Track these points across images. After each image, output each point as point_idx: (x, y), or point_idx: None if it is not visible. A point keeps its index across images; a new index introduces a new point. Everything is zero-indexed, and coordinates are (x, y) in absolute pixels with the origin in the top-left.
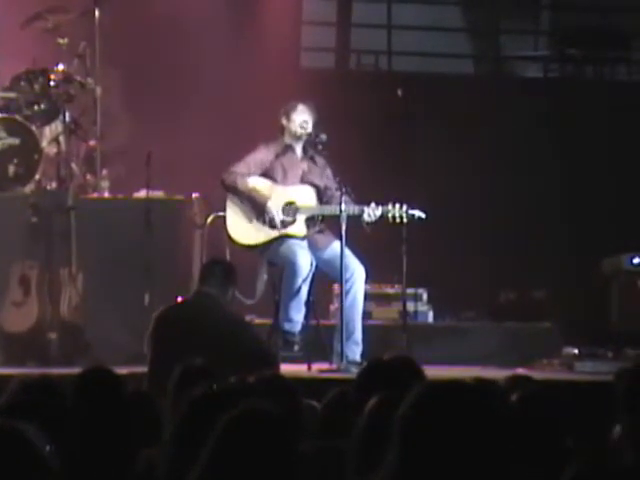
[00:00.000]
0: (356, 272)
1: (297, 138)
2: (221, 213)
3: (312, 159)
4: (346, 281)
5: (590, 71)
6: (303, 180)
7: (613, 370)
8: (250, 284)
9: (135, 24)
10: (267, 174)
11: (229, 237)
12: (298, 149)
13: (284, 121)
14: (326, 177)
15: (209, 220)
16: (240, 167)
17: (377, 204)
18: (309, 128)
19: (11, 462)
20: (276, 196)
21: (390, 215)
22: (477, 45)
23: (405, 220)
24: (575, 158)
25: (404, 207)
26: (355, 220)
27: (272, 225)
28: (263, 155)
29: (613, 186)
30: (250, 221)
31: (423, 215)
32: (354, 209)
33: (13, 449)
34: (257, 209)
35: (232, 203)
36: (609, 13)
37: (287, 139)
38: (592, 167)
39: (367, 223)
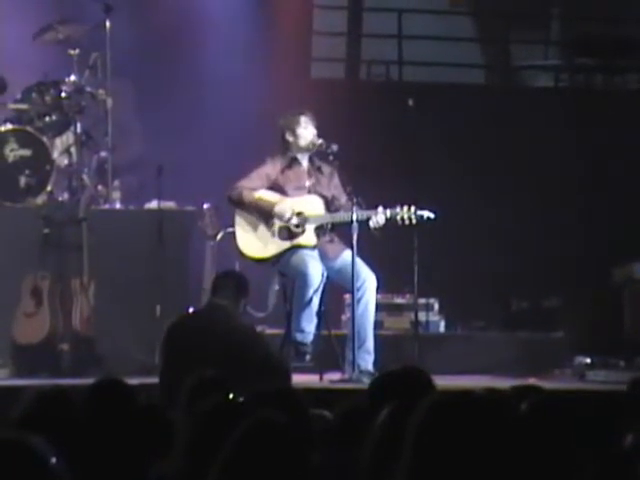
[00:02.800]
0: (367, 280)
1: (306, 151)
2: (230, 229)
3: (319, 169)
4: (357, 289)
5: (601, 80)
6: (310, 192)
7: (625, 379)
8: (261, 297)
9: (146, 36)
10: (273, 188)
11: (240, 252)
12: (304, 161)
13: (289, 137)
14: (334, 187)
15: (219, 237)
16: (246, 182)
17: (385, 207)
18: (317, 139)
19: (18, 475)
20: (285, 204)
21: (399, 217)
22: (487, 55)
23: (414, 221)
24: (586, 167)
25: (412, 208)
26: (364, 225)
27: (284, 231)
28: (269, 169)
29: (625, 194)
30: (260, 234)
31: (432, 215)
32: (362, 214)
33: (21, 462)
34: (266, 220)
35: (240, 218)
36: (619, 22)
37: (293, 152)
38: (603, 176)
39: (375, 228)
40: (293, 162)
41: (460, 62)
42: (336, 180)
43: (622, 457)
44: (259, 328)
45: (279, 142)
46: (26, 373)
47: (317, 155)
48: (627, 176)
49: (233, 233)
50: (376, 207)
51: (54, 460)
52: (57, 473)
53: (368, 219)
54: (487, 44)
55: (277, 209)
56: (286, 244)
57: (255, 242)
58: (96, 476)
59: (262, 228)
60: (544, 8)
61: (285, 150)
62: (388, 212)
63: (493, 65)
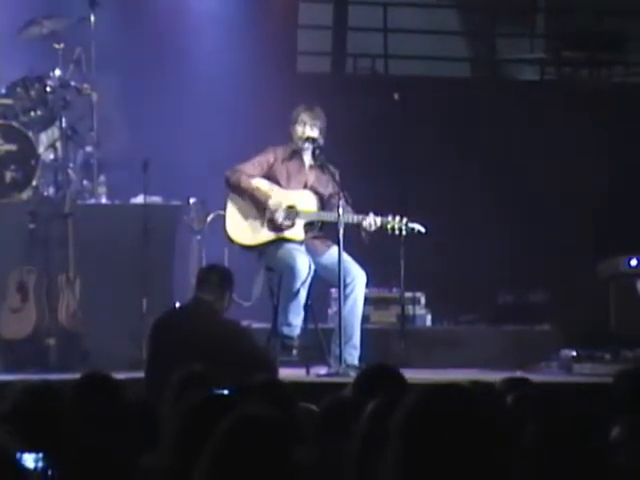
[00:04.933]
0: (357, 277)
1: (302, 145)
2: (221, 212)
3: (321, 167)
4: (347, 285)
5: (586, 73)
6: (307, 187)
7: (611, 372)
8: (248, 287)
9: (131, 30)
10: (271, 177)
11: (227, 236)
12: (306, 156)
13: (291, 130)
14: (332, 186)
15: (209, 218)
16: (246, 167)
17: (376, 214)
18: (310, 134)
19: None
20: (277, 198)
21: (390, 226)
22: (473, 48)
23: (404, 233)
24: (572, 160)
25: (404, 220)
26: (353, 228)
27: (272, 224)
28: (270, 158)
29: (611, 187)
30: (249, 221)
31: (423, 229)
32: (353, 218)
33: None
34: (258, 209)
35: (233, 202)
36: (605, 15)
37: (295, 145)
38: (589, 169)
39: (365, 233)
40: (294, 155)
41: (446, 55)
42: (336, 181)
43: (608, 449)
44: (245, 322)
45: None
46: (13, 368)
47: (315, 151)
48: (613, 169)
49: (223, 216)
50: (366, 211)
51: (19, 456)
52: (22, 468)
53: (359, 224)
54: (473, 37)
55: (270, 204)
56: (273, 235)
57: (244, 228)
58: (83, 471)
59: (253, 216)
60: (530, 1)
61: (289, 142)
62: (379, 220)
63: (479, 58)
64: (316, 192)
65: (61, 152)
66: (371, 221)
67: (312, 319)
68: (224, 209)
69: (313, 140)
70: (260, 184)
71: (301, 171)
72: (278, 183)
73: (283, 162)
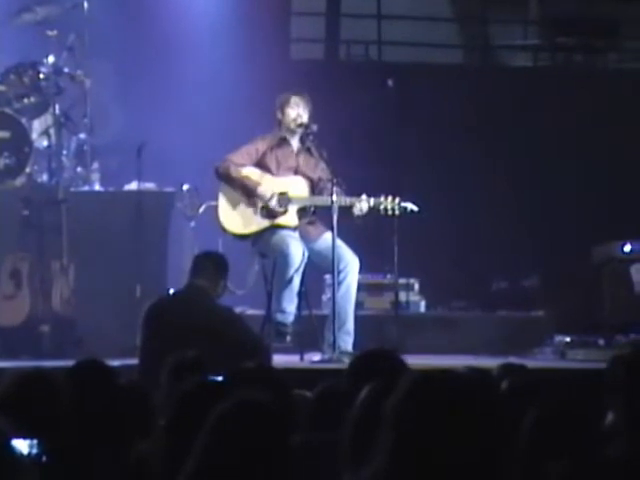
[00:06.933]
0: (350, 263)
1: (292, 131)
2: (213, 203)
3: (309, 151)
4: (340, 271)
5: (581, 59)
6: (297, 173)
7: (605, 358)
8: (241, 274)
9: (125, 16)
10: (261, 165)
11: (220, 226)
12: (294, 142)
13: (279, 115)
14: (320, 169)
15: (201, 209)
16: (235, 157)
17: (369, 196)
18: (302, 120)
19: None
20: (268, 185)
21: (382, 207)
22: (467, 35)
23: (397, 213)
24: (566, 146)
25: (397, 200)
26: (346, 211)
27: (266, 211)
28: (258, 146)
29: (604, 173)
30: (242, 210)
31: (416, 208)
32: (346, 200)
33: None
34: (249, 197)
35: (224, 192)
36: (599, 1)
37: (283, 132)
38: (583, 155)
39: (358, 215)
40: (282, 142)
41: (439, 42)
42: (324, 163)
43: (601, 435)
44: (240, 308)
45: (274, 120)
46: (6, 355)
47: (305, 137)
48: (608, 155)
49: (215, 207)
50: (359, 195)
51: (15, 441)
52: (17, 454)
53: (351, 206)
54: (466, 23)
55: (260, 190)
56: (266, 222)
57: (236, 218)
58: (77, 457)
59: (245, 205)
60: None
61: (276, 129)
62: (372, 201)
63: (472, 45)
64: (306, 176)
65: (54, 139)
66: (364, 203)
67: (306, 305)
68: (216, 200)
69: (306, 126)
70: (250, 173)
71: (290, 157)
72: (269, 171)
73: (272, 150)
